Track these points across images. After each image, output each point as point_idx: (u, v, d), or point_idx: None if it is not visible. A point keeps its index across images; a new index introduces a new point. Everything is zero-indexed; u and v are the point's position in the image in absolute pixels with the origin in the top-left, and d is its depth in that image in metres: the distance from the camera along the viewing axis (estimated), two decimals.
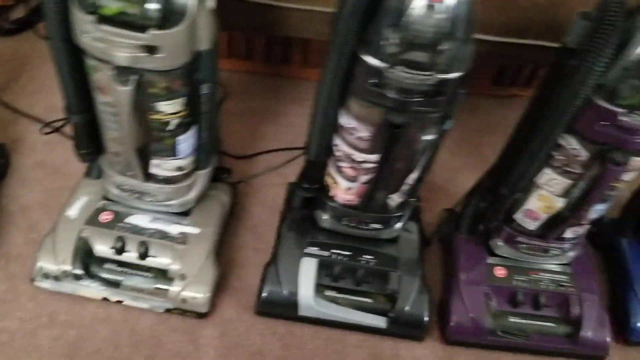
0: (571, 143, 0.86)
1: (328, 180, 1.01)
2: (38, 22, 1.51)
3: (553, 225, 0.99)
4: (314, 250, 1.06)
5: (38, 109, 1.33)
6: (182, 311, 1.02)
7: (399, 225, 1.06)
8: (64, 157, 1.23)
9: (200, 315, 1.03)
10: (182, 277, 1.01)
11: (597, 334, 1.06)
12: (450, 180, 1.36)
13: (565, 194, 0.93)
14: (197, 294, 1.00)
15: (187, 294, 1.00)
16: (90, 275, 1.01)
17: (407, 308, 1.03)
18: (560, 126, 0.83)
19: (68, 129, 1.27)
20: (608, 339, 1.06)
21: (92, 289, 1.01)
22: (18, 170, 1.21)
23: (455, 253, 1.13)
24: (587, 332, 1.05)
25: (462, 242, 1.13)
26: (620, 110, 0.78)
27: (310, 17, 1.17)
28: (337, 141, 0.92)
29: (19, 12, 1.53)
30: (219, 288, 1.07)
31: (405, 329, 1.05)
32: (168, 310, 1.03)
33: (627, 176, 0.89)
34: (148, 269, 1.02)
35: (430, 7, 0.71)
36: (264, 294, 1.03)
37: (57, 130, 1.29)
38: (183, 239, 1.04)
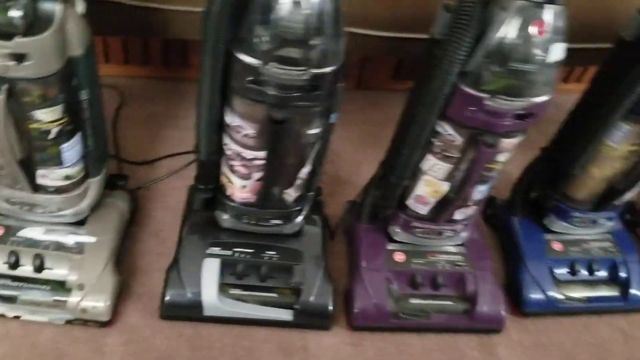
0: (446, 129, 0.91)
1: (223, 179, 1.02)
2: None
3: (442, 209, 1.04)
4: (216, 250, 1.07)
5: None
6: (83, 321, 1.01)
7: (299, 219, 1.09)
8: None
9: (103, 324, 1.01)
10: (81, 287, 0.99)
11: (492, 309, 1.12)
12: (354, 173, 1.40)
13: (449, 177, 0.98)
14: (97, 302, 0.99)
15: (86, 303, 0.98)
16: None
17: (311, 299, 1.06)
18: (433, 114, 0.87)
19: None
20: (503, 313, 1.12)
21: None
22: None
23: (357, 242, 1.16)
24: (483, 307, 1.11)
25: (363, 231, 1.17)
26: (485, 95, 0.83)
27: (192, 18, 1.17)
28: (227, 140, 0.93)
29: None
30: (122, 295, 1.06)
31: (311, 319, 1.07)
32: (69, 322, 1.00)
33: (502, 157, 0.95)
34: (45, 281, 0.99)
35: (296, 3, 0.74)
36: (167, 298, 1.03)
37: None
38: (79, 248, 1.02)
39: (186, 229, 1.09)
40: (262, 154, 0.91)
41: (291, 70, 0.78)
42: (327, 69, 0.80)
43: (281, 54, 0.77)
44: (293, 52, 0.77)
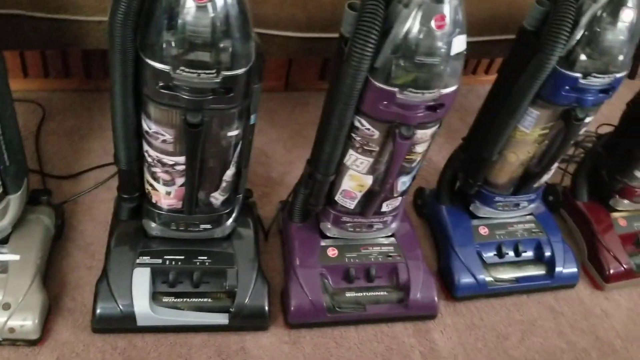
0: (364, 124, 0.93)
1: (147, 187, 1.01)
2: None
3: (369, 202, 1.07)
4: (145, 259, 1.05)
5: None
6: (12, 341, 0.98)
7: (229, 222, 1.09)
8: None
9: (33, 343, 0.99)
10: (6, 306, 0.96)
11: (425, 296, 1.15)
12: (287, 173, 1.41)
13: (372, 171, 1.01)
14: (24, 321, 0.96)
15: (13, 323, 0.96)
16: None
17: (247, 301, 1.06)
18: (349, 110, 0.89)
19: None
20: (436, 299, 1.16)
21: None
22: None
23: (290, 241, 1.17)
24: (416, 295, 1.14)
25: (296, 230, 1.18)
26: (395, 89, 0.86)
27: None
28: (146, 147, 0.93)
29: None
30: (52, 312, 1.04)
31: (248, 321, 1.08)
32: None
33: (419, 148, 0.98)
34: None
35: (201, 7, 0.74)
36: (97, 311, 1.01)
37: None
38: (3, 267, 0.99)
39: (114, 240, 1.08)
40: (182, 159, 0.91)
41: (202, 73, 0.78)
42: (239, 71, 0.81)
43: (190, 58, 0.77)
44: (202, 56, 0.77)
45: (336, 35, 0.92)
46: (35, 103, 1.42)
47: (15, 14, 1.10)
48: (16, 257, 1.01)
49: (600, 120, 1.66)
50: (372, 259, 1.16)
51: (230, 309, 1.06)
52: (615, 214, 1.38)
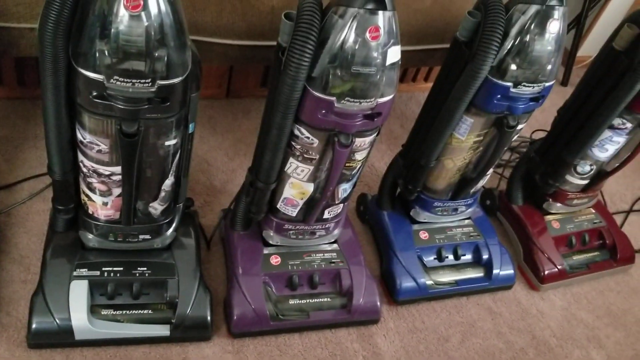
0: (303, 132, 0.94)
1: (84, 198, 0.99)
2: None
3: (310, 209, 1.07)
4: (83, 271, 1.03)
5: None
6: None
7: (169, 232, 1.08)
8: None
9: None
10: None
11: (368, 301, 1.17)
12: (229, 181, 1.40)
13: (312, 178, 1.02)
14: None
15: None
16: None
17: (188, 311, 1.05)
18: (287, 118, 0.90)
19: None
20: (378, 303, 1.18)
21: None
22: None
23: (232, 249, 1.17)
24: (359, 301, 1.15)
25: (238, 238, 1.18)
26: (332, 98, 0.87)
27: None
28: (81, 157, 0.91)
29: None
30: None
31: (190, 332, 1.06)
32: None
33: (359, 155, 0.99)
34: None
35: (134, 16, 0.73)
36: (33, 326, 0.98)
37: None
38: None
39: (49, 252, 1.05)
40: (118, 169, 0.89)
41: (136, 83, 0.77)
42: (175, 80, 0.80)
43: (124, 67, 0.76)
44: (136, 65, 0.76)
45: (272, 43, 0.93)
46: None
47: None
48: None
49: (535, 125, 1.73)
50: (315, 266, 1.17)
51: (172, 320, 1.04)
52: (549, 217, 1.44)
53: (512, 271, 1.33)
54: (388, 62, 0.85)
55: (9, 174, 1.26)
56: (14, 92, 1.40)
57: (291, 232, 1.14)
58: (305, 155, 0.98)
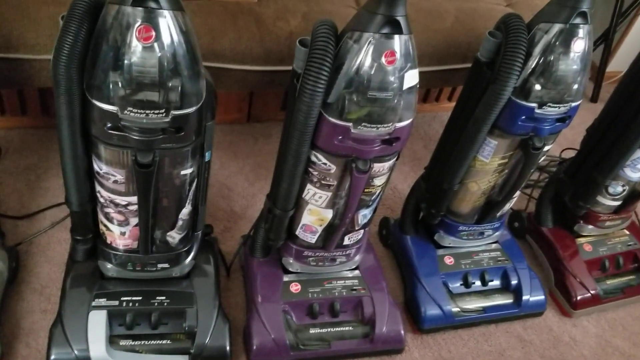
0: (320, 158, 0.92)
1: (102, 228, 0.98)
2: None
3: (330, 235, 1.05)
4: (101, 301, 1.02)
5: None
6: None
7: (188, 260, 1.06)
8: None
9: None
10: None
11: (391, 329, 1.13)
12: (249, 207, 1.39)
13: (331, 205, 1.00)
14: None
15: None
16: None
17: (207, 341, 1.03)
18: (303, 145, 0.88)
19: None
20: (402, 332, 1.14)
21: None
22: None
23: (252, 277, 1.15)
24: (382, 329, 1.12)
25: (258, 265, 1.16)
26: (349, 124, 0.85)
27: None
28: (98, 187, 0.90)
29: None
30: (5, 359, 1.00)
31: None
32: None
33: (378, 180, 0.97)
34: None
35: (147, 47, 0.73)
36: (52, 357, 0.97)
37: None
38: None
39: (68, 282, 1.04)
40: (135, 198, 0.88)
41: (151, 113, 0.77)
42: (189, 110, 0.79)
43: (138, 98, 0.75)
44: (150, 96, 0.76)
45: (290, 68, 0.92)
46: None
47: None
48: None
49: (564, 144, 1.69)
50: (336, 293, 1.14)
51: (190, 351, 1.02)
52: (580, 240, 1.39)
53: (542, 297, 1.28)
54: (405, 86, 0.83)
55: (31, 202, 1.28)
56: (38, 122, 1.42)
57: (311, 259, 1.12)
58: (322, 182, 0.96)
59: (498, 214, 1.22)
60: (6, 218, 1.22)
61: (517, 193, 1.16)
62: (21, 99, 1.36)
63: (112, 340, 1.01)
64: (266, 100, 1.57)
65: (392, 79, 0.82)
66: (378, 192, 1.00)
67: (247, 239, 1.22)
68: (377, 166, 0.93)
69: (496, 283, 1.26)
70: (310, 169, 0.95)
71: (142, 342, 1.02)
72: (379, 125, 0.86)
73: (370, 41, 0.79)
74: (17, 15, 1.10)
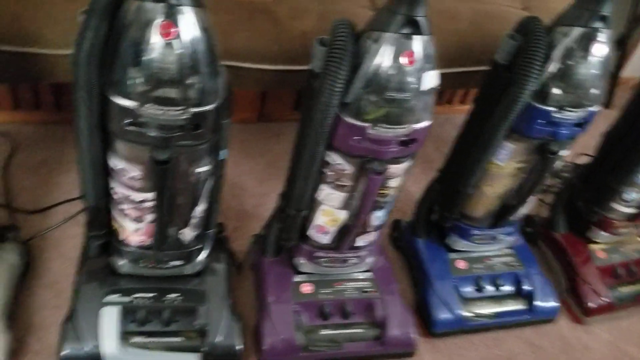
0: (335, 159, 0.91)
1: (115, 224, 0.98)
2: None
3: (342, 237, 1.05)
4: (113, 298, 1.02)
5: None
6: None
7: (200, 258, 1.06)
8: None
9: None
10: None
11: (402, 332, 1.12)
12: (260, 206, 1.39)
13: (345, 206, 0.99)
14: None
15: None
16: None
17: (218, 339, 1.03)
18: (319, 145, 0.88)
19: None
20: (412, 335, 1.13)
21: None
22: None
23: (262, 276, 1.15)
24: (393, 332, 1.11)
25: (269, 265, 1.16)
26: (366, 124, 0.85)
27: None
28: (113, 183, 0.90)
29: None
30: (16, 354, 1.00)
31: None
32: None
33: (393, 182, 0.96)
34: None
35: (167, 43, 0.73)
36: (62, 353, 0.97)
37: None
38: None
39: (80, 278, 1.04)
40: (150, 195, 0.88)
41: (169, 110, 0.77)
42: (207, 107, 0.79)
43: (157, 94, 0.75)
44: (169, 92, 0.76)
45: (304, 67, 0.92)
46: (3, 135, 1.39)
47: None
48: None
49: (579, 149, 1.67)
50: (347, 295, 1.13)
51: (202, 349, 1.02)
52: (593, 246, 1.37)
53: (554, 303, 1.27)
54: (424, 88, 0.83)
55: (44, 197, 1.28)
56: (51, 117, 1.42)
57: (322, 259, 1.11)
58: (337, 182, 0.95)
59: (512, 219, 1.21)
60: (19, 212, 1.22)
61: (532, 198, 1.15)
62: (35, 93, 1.36)
63: (124, 336, 1.00)
64: (278, 100, 1.57)
65: (410, 79, 0.81)
66: (392, 194, 0.99)
67: (258, 238, 1.21)
68: (393, 168, 0.92)
69: (508, 288, 1.25)
70: (325, 169, 0.94)
71: (154, 339, 1.01)
72: (396, 127, 0.85)
73: (389, 41, 0.79)
74: (33, 10, 1.10)
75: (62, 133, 1.43)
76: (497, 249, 1.29)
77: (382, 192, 0.97)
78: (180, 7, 0.73)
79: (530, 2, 1.56)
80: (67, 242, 1.21)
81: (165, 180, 0.85)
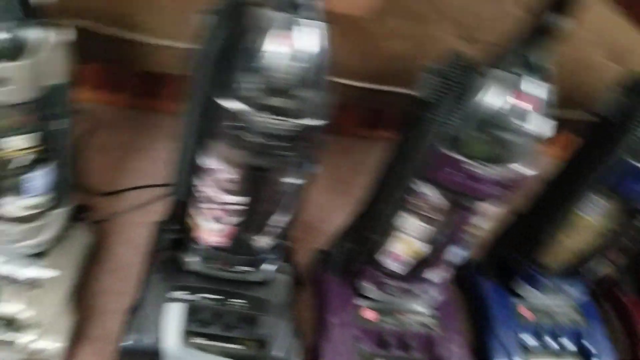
0: (425, 190, 0.90)
1: (189, 221, 0.98)
2: None
3: (415, 268, 1.03)
4: (180, 294, 1.01)
5: None
6: None
7: (268, 267, 1.05)
8: None
9: None
10: (33, 325, 0.92)
11: None
12: (324, 220, 1.37)
13: (426, 238, 0.97)
14: (49, 343, 0.92)
15: (39, 344, 0.91)
16: None
17: (277, 353, 1.01)
18: (410, 172, 0.87)
19: None
20: None
21: None
22: None
23: (325, 295, 1.13)
24: None
25: (332, 283, 1.14)
26: (463, 158, 0.83)
27: (173, 53, 1.15)
28: (198, 182, 0.90)
29: None
30: (77, 337, 1.00)
31: None
32: None
33: (481, 222, 0.94)
34: (1, 318, 0.91)
35: (285, 54, 0.73)
36: (124, 343, 0.96)
37: None
38: (36, 283, 0.95)
39: (148, 270, 1.04)
40: (237, 198, 0.88)
41: (278, 119, 0.76)
42: (316, 122, 0.78)
43: (271, 103, 0.75)
44: (280, 102, 0.75)
45: (393, 89, 0.91)
46: (82, 114, 1.40)
47: (88, 27, 1.10)
48: (52, 274, 0.97)
49: None
50: (410, 328, 1.11)
51: None
52: None
53: None
54: (532, 132, 0.80)
55: (115, 181, 1.29)
56: (132, 101, 1.44)
57: (389, 287, 1.09)
58: (422, 213, 0.93)
59: (584, 273, 1.17)
60: (90, 193, 1.23)
61: (613, 256, 1.11)
62: (117, 76, 1.38)
63: (185, 335, 0.99)
64: (350, 115, 1.56)
65: (520, 122, 0.79)
66: (478, 233, 0.97)
67: (323, 254, 1.20)
68: (483, 206, 0.90)
69: (570, 344, 1.20)
70: (411, 198, 0.92)
71: (215, 342, 1.00)
72: (495, 166, 0.83)
73: (500, 78, 0.78)
74: None
75: (140, 119, 1.44)
76: (563, 301, 1.24)
77: (467, 229, 0.95)
78: (306, 20, 0.73)
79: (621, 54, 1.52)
80: (134, 228, 1.21)
81: (259, 187, 0.85)
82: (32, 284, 0.95)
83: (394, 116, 1.56)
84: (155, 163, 1.35)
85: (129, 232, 1.20)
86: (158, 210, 1.16)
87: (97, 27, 1.10)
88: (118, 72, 1.37)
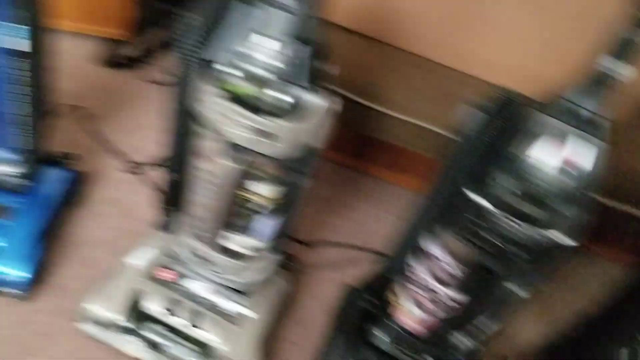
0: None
1: (391, 298, 0.97)
2: (146, 63, 1.57)
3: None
4: None
5: (126, 146, 1.34)
6: None
7: None
8: (138, 200, 1.24)
9: None
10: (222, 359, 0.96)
11: None
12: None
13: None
14: None
15: None
16: (136, 331, 0.97)
17: None
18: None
19: (149, 175, 1.29)
20: None
21: (132, 346, 0.97)
22: (91, 202, 1.22)
23: None
24: None
25: None
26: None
27: (416, 131, 1.17)
28: (414, 263, 0.89)
29: (131, 50, 1.56)
30: None
31: None
32: None
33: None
34: (195, 341, 0.97)
35: (555, 165, 0.70)
36: None
37: (136, 172, 1.30)
38: (237, 320, 0.99)
39: (335, 332, 1.04)
40: (451, 293, 0.85)
41: (523, 225, 0.73)
42: (566, 240, 0.73)
43: (521, 208, 0.73)
44: (534, 211, 0.72)
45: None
46: None
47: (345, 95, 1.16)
48: (253, 315, 1.01)
49: None
50: None
51: None
52: None
53: None
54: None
55: (314, 233, 1.31)
56: (345, 160, 1.46)
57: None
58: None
59: None
60: (291, 240, 1.27)
61: None
62: (338, 136, 1.42)
63: None
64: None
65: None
66: None
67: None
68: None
69: None
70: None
71: None
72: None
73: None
74: (389, 73, 1.16)
75: (349, 178, 1.47)
76: None
77: None
78: (586, 135, 0.70)
79: None
80: (323, 283, 1.22)
81: (477, 287, 0.82)
82: (233, 320, 0.99)
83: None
84: (355, 224, 1.37)
85: (320, 287, 1.22)
86: (352, 274, 1.17)
87: (354, 97, 1.17)
88: (341, 133, 1.42)
